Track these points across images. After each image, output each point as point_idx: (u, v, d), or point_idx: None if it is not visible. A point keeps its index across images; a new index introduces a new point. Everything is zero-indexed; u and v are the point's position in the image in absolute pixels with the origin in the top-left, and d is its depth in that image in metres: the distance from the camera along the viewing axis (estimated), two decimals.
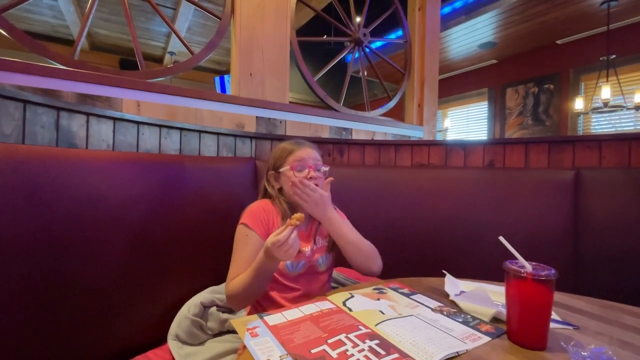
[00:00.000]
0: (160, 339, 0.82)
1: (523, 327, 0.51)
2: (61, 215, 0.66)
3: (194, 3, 1.52)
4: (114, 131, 0.99)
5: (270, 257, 0.65)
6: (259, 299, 0.79)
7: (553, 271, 0.50)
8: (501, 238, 0.58)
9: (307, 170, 0.82)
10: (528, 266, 0.53)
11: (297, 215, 0.65)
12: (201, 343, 0.81)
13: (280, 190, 0.86)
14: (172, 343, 0.79)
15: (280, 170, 0.84)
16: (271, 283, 0.79)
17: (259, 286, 0.71)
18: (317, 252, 0.84)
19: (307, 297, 0.77)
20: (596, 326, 0.58)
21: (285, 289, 0.80)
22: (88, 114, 0.93)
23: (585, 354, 0.45)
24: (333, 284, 1.03)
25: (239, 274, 0.73)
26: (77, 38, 1.15)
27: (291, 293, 0.79)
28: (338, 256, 0.91)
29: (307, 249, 0.82)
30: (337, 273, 1.09)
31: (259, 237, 0.77)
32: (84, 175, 0.72)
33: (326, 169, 0.87)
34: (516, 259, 0.55)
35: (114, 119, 0.99)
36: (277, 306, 0.76)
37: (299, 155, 0.83)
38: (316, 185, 0.81)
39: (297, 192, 0.77)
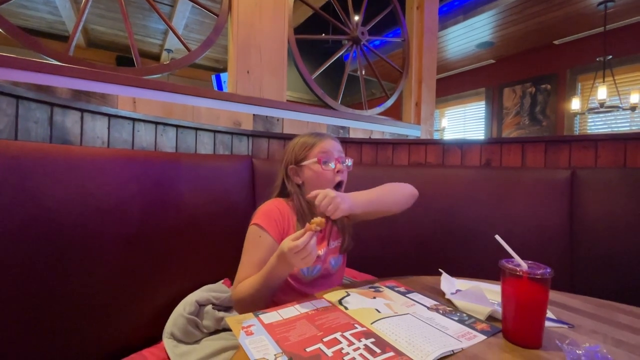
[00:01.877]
0: (155, 337, 0.81)
1: (518, 325, 0.51)
2: (54, 213, 0.65)
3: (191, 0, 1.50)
4: (109, 128, 0.98)
5: (284, 263, 0.62)
6: (268, 305, 0.77)
7: (549, 270, 0.50)
8: (497, 237, 0.58)
9: (334, 164, 0.78)
10: (524, 265, 0.53)
11: (318, 219, 0.60)
12: (196, 341, 0.81)
13: (300, 186, 0.82)
14: (167, 341, 0.79)
15: (304, 163, 0.79)
16: (284, 289, 0.76)
17: (268, 292, 0.68)
18: (329, 254, 0.82)
19: None
20: (591, 325, 0.58)
21: (299, 296, 0.76)
22: (82, 111, 0.92)
23: (580, 352, 0.45)
24: None
25: (248, 277, 0.70)
26: (71, 33, 1.14)
27: (303, 299, 0.77)
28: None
29: (321, 251, 0.79)
30: None
31: (272, 239, 0.73)
32: (78, 172, 0.71)
33: (350, 163, 0.82)
34: (512, 257, 0.55)
35: (109, 115, 0.98)
36: None
37: (324, 147, 0.79)
38: (342, 182, 0.79)
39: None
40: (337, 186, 0.80)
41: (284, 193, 0.84)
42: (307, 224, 0.61)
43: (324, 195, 0.67)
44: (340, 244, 0.84)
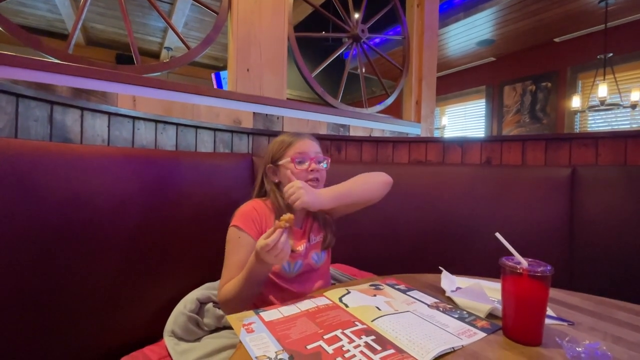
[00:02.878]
0: (156, 335, 0.81)
1: (518, 322, 0.52)
2: (55, 211, 0.65)
3: None
4: (109, 126, 0.98)
5: (261, 262, 0.63)
6: (256, 303, 0.78)
7: (549, 267, 0.50)
8: (498, 234, 0.58)
9: (308, 163, 0.80)
10: (524, 262, 0.53)
11: (286, 216, 0.61)
12: (197, 339, 0.81)
13: (278, 185, 0.84)
14: (168, 339, 0.79)
15: (280, 163, 0.81)
16: (269, 286, 0.77)
17: (252, 291, 0.69)
18: (311, 249, 0.83)
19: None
20: (591, 322, 0.58)
21: (284, 292, 0.78)
22: (82, 109, 0.92)
23: (580, 349, 0.45)
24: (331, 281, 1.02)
25: (232, 278, 0.71)
26: (71, 31, 1.14)
27: (290, 295, 0.78)
28: (334, 251, 0.91)
29: (301, 247, 0.80)
30: (334, 270, 1.08)
31: (252, 239, 0.74)
32: (79, 170, 0.71)
33: (326, 164, 0.84)
34: (512, 255, 0.55)
35: (109, 113, 0.98)
36: None
37: (300, 147, 0.81)
38: (317, 178, 0.80)
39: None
40: (312, 182, 0.80)
41: (262, 192, 0.85)
42: (276, 221, 0.62)
43: (290, 185, 0.70)
44: (322, 240, 0.85)
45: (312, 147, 0.82)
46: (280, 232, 0.60)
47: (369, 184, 0.84)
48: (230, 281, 0.71)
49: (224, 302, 0.71)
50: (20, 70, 0.93)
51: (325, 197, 0.75)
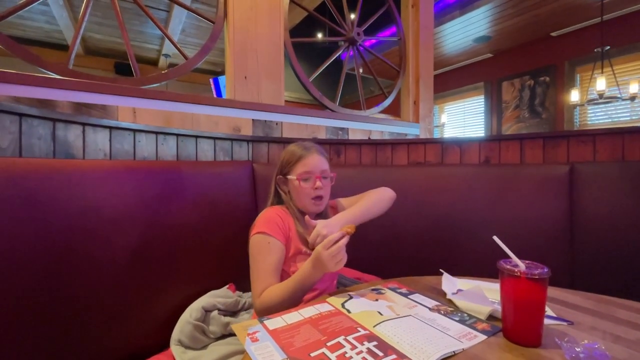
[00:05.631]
0: (162, 344, 0.83)
1: (518, 324, 0.52)
2: (61, 226, 0.67)
3: (186, 8, 1.52)
4: (110, 140, 0.99)
5: (319, 268, 0.67)
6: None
7: (546, 269, 0.51)
8: (495, 237, 0.59)
9: (312, 181, 0.83)
10: (521, 265, 0.54)
11: (347, 227, 0.70)
12: (204, 347, 0.82)
13: (288, 194, 0.88)
14: (175, 348, 0.80)
15: (288, 177, 0.86)
16: None
17: (300, 297, 0.72)
18: None
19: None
20: (590, 321, 0.59)
21: (310, 291, 0.82)
22: (84, 124, 0.94)
23: (579, 349, 0.46)
24: None
25: (268, 284, 0.73)
26: (70, 46, 1.15)
27: (311, 294, 0.82)
28: None
29: None
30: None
31: (281, 243, 0.78)
32: (82, 185, 0.73)
33: (332, 179, 0.88)
34: (510, 258, 0.56)
35: (110, 127, 0.99)
36: None
37: (307, 164, 0.84)
38: (321, 196, 0.84)
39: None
40: (317, 199, 0.85)
41: (277, 200, 0.90)
42: (339, 232, 0.69)
43: (315, 236, 0.74)
44: None
45: (319, 164, 0.85)
46: (346, 240, 0.68)
47: (381, 202, 0.92)
48: (272, 288, 0.73)
49: (265, 309, 0.72)
50: (22, 87, 0.95)
51: (348, 223, 0.79)
